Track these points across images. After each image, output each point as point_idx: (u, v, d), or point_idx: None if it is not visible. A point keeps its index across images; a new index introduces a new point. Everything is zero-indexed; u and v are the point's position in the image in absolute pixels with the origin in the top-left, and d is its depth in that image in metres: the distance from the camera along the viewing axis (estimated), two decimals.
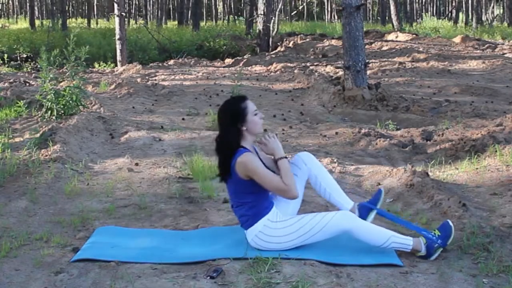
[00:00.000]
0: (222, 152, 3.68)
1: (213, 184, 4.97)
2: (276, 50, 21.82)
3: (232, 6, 51.02)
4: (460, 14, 40.98)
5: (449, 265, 3.45)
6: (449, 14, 44.93)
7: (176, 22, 37.30)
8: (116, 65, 17.40)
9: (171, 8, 52.96)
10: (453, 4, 45.94)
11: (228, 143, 3.64)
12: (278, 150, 3.68)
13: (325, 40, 23.34)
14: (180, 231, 4.09)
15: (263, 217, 3.61)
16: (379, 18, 41.72)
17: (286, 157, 3.66)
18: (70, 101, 8.21)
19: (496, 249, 3.56)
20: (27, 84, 11.86)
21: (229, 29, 28.59)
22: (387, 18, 35.45)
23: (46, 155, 5.92)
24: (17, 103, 8.72)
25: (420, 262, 3.53)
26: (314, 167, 3.84)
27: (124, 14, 18.14)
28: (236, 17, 44.53)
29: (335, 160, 5.97)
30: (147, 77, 13.99)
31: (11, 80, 12.09)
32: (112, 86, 11.82)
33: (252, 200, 3.62)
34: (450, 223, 3.66)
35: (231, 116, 3.66)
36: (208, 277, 3.24)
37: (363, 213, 3.80)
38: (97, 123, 7.73)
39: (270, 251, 3.54)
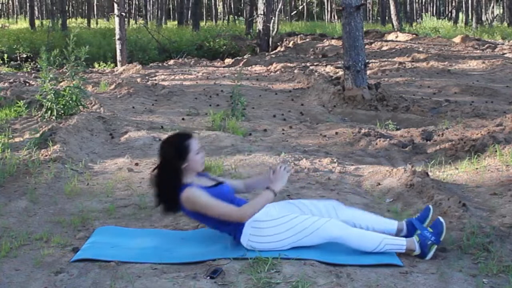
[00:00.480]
0: (162, 189, 3.68)
1: None
2: (276, 50, 21.82)
3: (232, 6, 51.02)
4: (460, 14, 40.98)
5: (449, 265, 3.45)
6: (449, 14, 44.95)
7: (176, 22, 37.29)
8: (116, 65, 17.40)
9: (171, 8, 52.96)
10: (453, 4, 45.96)
11: (169, 181, 3.64)
12: (278, 183, 3.67)
13: (325, 40, 23.34)
14: (180, 231, 4.10)
15: (245, 225, 3.60)
16: (379, 18, 41.73)
17: (275, 194, 3.65)
18: (70, 101, 8.22)
19: (496, 249, 3.56)
20: (27, 84, 11.86)
21: (229, 29, 28.60)
22: (387, 18, 35.45)
23: (46, 155, 5.92)
24: (17, 103, 8.72)
25: (420, 262, 3.53)
26: (345, 215, 3.81)
27: (124, 14, 18.13)
28: (236, 17, 44.54)
29: (335, 160, 5.97)
30: (147, 77, 13.99)
31: (11, 80, 12.08)
32: (112, 86, 11.82)
33: (220, 219, 3.62)
34: (441, 219, 3.67)
35: (173, 155, 3.65)
36: (208, 277, 3.24)
37: (411, 230, 3.75)
38: (97, 123, 7.73)
39: (270, 252, 3.54)
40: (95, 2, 51.57)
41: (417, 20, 38.62)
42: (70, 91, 8.22)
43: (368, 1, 45.39)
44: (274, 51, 21.42)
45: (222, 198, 3.63)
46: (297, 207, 3.79)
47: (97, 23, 39.90)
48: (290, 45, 22.63)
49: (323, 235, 3.57)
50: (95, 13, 50.90)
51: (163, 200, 3.71)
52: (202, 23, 34.98)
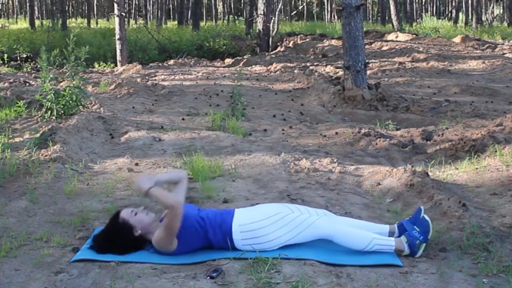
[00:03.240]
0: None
1: (213, 184, 4.98)
2: (276, 50, 21.83)
3: (232, 6, 51.03)
4: (460, 14, 41.00)
5: (449, 265, 3.45)
6: (449, 14, 44.96)
7: (176, 22, 37.31)
8: (116, 65, 17.40)
9: (171, 8, 52.96)
10: (453, 4, 45.96)
11: (133, 247, 3.68)
12: (141, 185, 3.62)
13: (325, 40, 23.35)
14: None
15: (231, 227, 3.61)
16: (379, 18, 41.72)
17: (151, 186, 3.61)
18: (70, 101, 8.21)
19: (496, 249, 3.56)
20: (27, 84, 11.85)
21: (229, 29, 28.62)
22: (387, 18, 35.45)
23: (46, 155, 5.92)
24: (17, 103, 8.72)
25: (420, 262, 3.53)
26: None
27: (124, 14, 18.14)
28: (236, 17, 44.56)
29: (335, 160, 5.97)
30: (147, 77, 13.99)
31: (11, 80, 12.07)
32: (112, 86, 11.82)
33: (196, 235, 3.62)
34: (426, 217, 3.69)
35: (122, 235, 3.66)
36: (208, 277, 3.24)
37: (402, 232, 3.76)
38: (97, 123, 7.73)
39: (270, 252, 3.54)
40: (95, 2, 51.56)
41: (417, 20, 38.62)
42: (70, 91, 8.21)
43: (368, 1, 45.40)
44: (274, 51, 21.42)
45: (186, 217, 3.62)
46: (289, 209, 3.79)
47: (97, 23, 39.91)
48: (290, 45, 22.64)
49: (314, 232, 3.60)
50: (95, 13, 50.91)
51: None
52: (202, 23, 34.99)
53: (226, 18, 46.76)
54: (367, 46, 18.01)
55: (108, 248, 3.65)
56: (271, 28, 22.09)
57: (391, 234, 3.79)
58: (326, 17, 47.79)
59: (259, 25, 22.26)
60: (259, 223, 3.61)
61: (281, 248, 3.60)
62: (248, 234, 3.59)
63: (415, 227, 3.69)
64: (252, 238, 3.59)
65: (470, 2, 37.47)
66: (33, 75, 14.39)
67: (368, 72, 11.95)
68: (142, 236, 3.70)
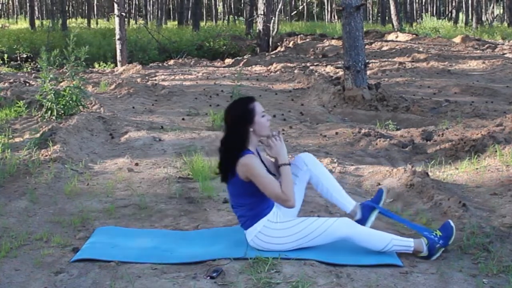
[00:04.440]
0: (226, 152, 3.66)
1: (213, 184, 4.97)
2: (276, 50, 21.82)
3: (232, 6, 51.03)
4: (460, 14, 41.00)
5: (449, 265, 3.45)
6: (449, 14, 44.96)
7: (176, 22, 37.32)
8: (116, 65, 17.40)
9: (171, 8, 52.97)
10: (453, 4, 45.97)
11: (234, 144, 3.62)
12: (283, 155, 3.66)
13: (325, 40, 23.34)
14: (180, 231, 4.09)
15: (262, 218, 3.61)
16: (379, 18, 41.72)
17: (289, 164, 3.64)
18: (70, 101, 8.22)
19: (496, 249, 3.56)
20: (27, 84, 11.85)
21: (229, 29, 28.60)
22: (387, 18, 35.45)
23: (46, 155, 5.92)
24: (17, 103, 8.73)
25: (420, 262, 3.53)
26: (315, 167, 3.84)
27: (124, 14, 18.13)
28: (236, 17, 44.57)
29: (335, 160, 5.97)
30: (147, 77, 13.99)
31: (11, 80, 12.07)
32: (112, 86, 11.82)
33: (251, 201, 3.62)
34: (452, 223, 3.66)
35: (239, 117, 3.63)
36: (208, 277, 3.24)
37: (365, 212, 3.79)
38: (97, 123, 7.73)
39: (270, 251, 3.54)
40: (95, 2, 51.57)
41: (417, 20, 38.61)
42: (70, 91, 8.22)
43: (368, 1, 45.40)
44: (274, 51, 21.42)
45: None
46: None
47: (97, 23, 39.91)
48: (290, 45, 22.64)
49: (332, 236, 3.56)
50: (95, 13, 50.91)
51: (226, 164, 3.66)
52: (202, 23, 34.97)
53: (226, 18, 46.76)
54: (367, 46, 18.00)
55: (227, 117, 3.64)
56: (271, 28, 22.09)
57: (352, 213, 3.79)
58: (326, 17, 47.79)
59: (259, 25, 22.26)
60: (279, 225, 3.60)
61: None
62: (267, 230, 3.58)
63: (437, 231, 3.65)
64: (268, 236, 3.58)
65: (470, 2, 37.48)
66: (33, 75, 14.39)
67: (368, 72, 11.95)
68: (249, 135, 3.62)
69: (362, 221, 3.75)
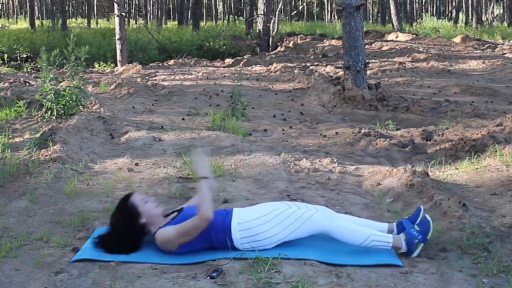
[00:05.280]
0: (124, 243, 3.67)
1: None
2: (276, 50, 21.82)
3: (232, 6, 51.02)
4: (460, 14, 40.99)
5: (449, 265, 3.45)
6: (449, 14, 44.96)
7: (176, 22, 37.32)
8: (116, 65, 17.40)
9: (171, 8, 52.97)
10: (453, 4, 45.96)
11: (134, 240, 3.68)
12: (200, 169, 3.66)
13: (325, 40, 23.34)
14: None
15: (230, 226, 3.61)
16: (379, 18, 41.72)
17: (206, 177, 3.63)
18: (70, 101, 8.22)
19: (496, 249, 3.56)
20: (27, 84, 11.85)
21: (229, 29, 28.60)
22: (387, 18, 35.45)
23: (46, 155, 5.92)
24: (17, 103, 8.73)
25: (420, 262, 3.53)
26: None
27: (124, 14, 18.13)
28: (236, 17, 44.56)
29: (335, 160, 5.97)
30: (147, 77, 13.99)
31: (11, 80, 12.07)
32: (112, 86, 11.82)
33: (206, 234, 3.60)
34: (428, 218, 3.69)
35: (126, 218, 3.68)
36: (208, 277, 3.24)
37: (401, 229, 3.75)
38: (97, 123, 7.73)
39: (270, 251, 3.54)
40: (95, 2, 51.56)
41: (417, 20, 38.62)
42: (70, 91, 8.22)
43: (368, 1, 45.40)
44: (274, 51, 21.42)
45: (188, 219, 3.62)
46: (287, 205, 3.79)
47: (97, 23, 39.91)
48: (290, 45, 22.63)
49: (312, 227, 3.59)
50: (95, 13, 50.91)
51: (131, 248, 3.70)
52: (202, 23, 34.98)
53: (226, 18, 46.76)
54: (367, 46, 18.01)
55: (111, 233, 3.68)
56: (271, 28, 22.09)
57: (389, 232, 3.79)
58: (326, 17, 47.79)
59: (259, 25, 22.26)
60: (256, 221, 3.61)
61: (280, 247, 3.60)
62: (246, 232, 3.60)
63: (415, 226, 3.69)
64: (250, 236, 3.59)
65: (470, 2, 37.47)
66: (33, 75, 14.39)
67: (368, 72, 11.95)
68: (145, 226, 3.70)
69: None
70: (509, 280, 3.22)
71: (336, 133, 7.46)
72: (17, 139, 6.97)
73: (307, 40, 23.45)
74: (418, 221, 3.74)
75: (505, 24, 34.24)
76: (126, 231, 3.67)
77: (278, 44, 23.16)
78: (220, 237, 3.62)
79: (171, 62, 18.31)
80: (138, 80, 13.08)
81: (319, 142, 7.16)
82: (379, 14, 41.33)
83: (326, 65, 15.57)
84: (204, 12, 49.71)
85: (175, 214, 3.77)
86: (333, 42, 22.09)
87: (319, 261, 3.46)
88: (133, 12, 44.94)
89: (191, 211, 3.70)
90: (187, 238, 3.57)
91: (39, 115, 8.33)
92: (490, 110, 8.81)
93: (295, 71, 14.23)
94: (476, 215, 4.19)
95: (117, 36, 17.22)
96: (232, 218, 3.66)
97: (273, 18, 22.50)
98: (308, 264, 3.40)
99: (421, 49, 18.20)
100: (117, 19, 17.37)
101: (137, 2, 47.63)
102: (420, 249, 3.62)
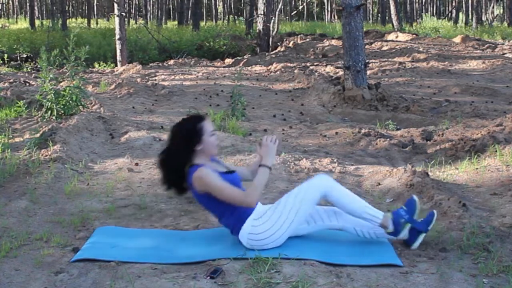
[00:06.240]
0: (172, 170, 3.66)
1: None
2: (276, 50, 21.82)
3: (232, 6, 51.02)
4: (460, 14, 41.02)
5: (449, 265, 3.45)
6: (449, 14, 44.97)
7: (176, 22, 37.31)
8: (116, 65, 17.41)
9: (171, 8, 52.97)
10: (453, 4, 45.97)
11: (179, 163, 3.63)
12: (268, 157, 3.66)
13: (325, 40, 23.35)
14: (180, 231, 4.10)
15: (247, 218, 3.62)
16: (379, 18, 41.72)
17: (270, 168, 3.64)
18: (70, 101, 8.22)
19: (496, 249, 3.56)
20: (27, 84, 11.86)
21: (229, 29, 28.58)
22: (387, 18, 35.46)
23: (46, 155, 5.92)
24: (17, 103, 8.73)
25: (420, 262, 3.53)
26: (345, 220, 3.78)
27: (124, 14, 18.13)
28: (236, 17, 44.54)
29: (335, 160, 5.97)
30: (147, 77, 13.99)
31: (11, 80, 12.08)
32: (112, 86, 11.82)
33: (227, 207, 3.61)
34: (415, 198, 3.72)
35: (187, 135, 3.63)
36: (208, 277, 3.24)
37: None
38: (97, 123, 7.73)
39: (270, 250, 3.54)
40: (95, 2, 51.56)
41: (417, 20, 38.61)
42: (70, 91, 8.22)
43: (368, 1, 45.40)
44: (274, 51, 21.41)
45: (233, 185, 3.62)
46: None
47: (97, 23, 39.91)
48: (290, 45, 22.63)
49: (312, 196, 3.60)
50: (95, 13, 50.90)
51: (171, 181, 3.68)
52: (202, 23, 34.98)
53: (226, 18, 46.75)
54: (367, 46, 18.01)
55: (168, 143, 3.67)
56: (271, 28, 22.09)
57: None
58: (326, 17, 47.80)
59: (259, 25, 22.25)
60: (262, 219, 3.60)
61: (280, 247, 3.60)
62: (255, 229, 3.59)
63: (402, 206, 3.74)
64: (258, 233, 3.58)
65: (470, 2, 37.48)
66: (33, 75, 14.39)
67: (368, 72, 11.95)
68: (195, 154, 3.63)
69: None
70: (509, 280, 3.22)
71: (336, 133, 7.46)
72: (17, 139, 6.97)
73: (307, 40, 23.45)
74: (405, 202, 3.76)
75: (505, 24, 34.24)
76: (183, 145, 3.61)
77: (278, 44, 23.16)
78: (230, 221, 3.63)
79: (171, 62, 18.32)
80: (138, 80, 13.08)
81: (319, 142, 7.16)
82: (379, 14, 41.33)
83: (326, 65, 15.57)
84: (204, 12, 49.71)
85: (226, 170, 3.74)
86: (333, 42, 22.09)
87: (319, 261, 3.46)
88: (133, 12, 44.94)
89: (238, 180, 3.70)
90: (217, 196, 3.54)
91: (39, 115, 8.33)
92: (490, 110, 8.81)
93: (295, 71, 14.24)
94: (476, 215, 4.19)
95: (117, 36, 17.23)
96: (252, 212, 3.64)
97: (273, 18, 22.50)
98: (308, 264, 3.40)
99: (421, 49, 18.20)
100: (117, 19, 17.37)
101: (137, 2, 47.63)
102: (407, 230, 3.65)
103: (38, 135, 6.84)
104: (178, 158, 3.63)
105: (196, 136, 3.63)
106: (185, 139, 3.62)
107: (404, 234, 3.65)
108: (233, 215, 3.62)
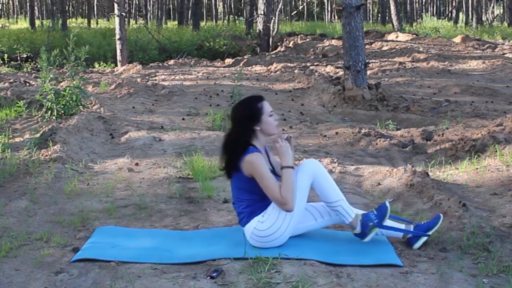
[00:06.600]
0: (231, 149, 3.67)
1: (213, 184, 4.98)
2: (276, 50, 21.82)
3: (232, 6, 51.02)
4: (460, 14, 41.03)
5: (449, 265, 3.45)
6: (449, 14, 44.97)
7: (176, 22, 37.32)
8: (116, 65, 17.41)
9: (171, 8, 52.98)
10: (453, 4, 45.98)
11: (239, 142, 3.63)
12: (286, 157, 3.65)
13: (325, 40, 23.35)
14: (180, 231, 4.10)
15: (256, 216, 3.65)
16: (379, 18, 41.72)
17: (292, 167, 3.64)
18: (70, 101, 8.22)
19: (496, 249, 3.56)
20: (27, 84, 11.86)
21: (229, 29, 28.57)
22: (387, 18, 35.46)
23: (46, 155, 5.92)
24: (17, 103, 8.73)
25: (420, 262, 3.53)
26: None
27: (124, 14, 18.13)
28: (236, 17, 44.53)
29: (335, 160, 5.97)
30: (147, 77, 13.99)
31: (11, 80, 12.08)
32: (112, 86, 11.82)
33: (251, 198, 3.66)
34: (387, 203, 3.70)
35: (247, 115, 3.65)
36: (208, 277, 3.24)
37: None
38: (97, 123, 7.73)
39: (270, 250, 3.55)
40: (95, 2, 51.56)
41: (417, 20, 38.61)
42: (70, 91, 8.22)
43: (368, 1, 45.40)
44: (274, 51, 21.41)
45: None
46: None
47: (97, 23, 39.90)
48: (290, 45, 22.63)
49: (304, 183, 3.62)
50: (95, 13, 50.90)
51: (231, 160, 3.67)
52: (202, 23, 34.97)
53: (226, 18, 46.75)
54: (367, 46, 18.01)
55: (235, 114, 3.70)
56: (271, 28, 22.08)
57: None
58: (326, 17, 47.79)
59: (259, 25, 22.25)
60: (273, 227, 3.62)
61: (280, 247, 3.61)
62: (260, 225, 3.61)
63: (373, 210, 3.72)
64: (262, 230, 3.60)
65: (470, 2, 37.49)
66: (33, 75, 14.39)
67: (368, 72, 11.96)
68: (254, 134, 3.65)
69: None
70: (509, 280, 3.22)
71: (336, 133, 7.46)
72: (17, 139, 6.97)
73: (307, 40, 23.45)
74: (377, 207, 3.76)
75: (505, 24, 34.23)
76: (243, 124, 3.63)
77: (278, 44, 23.15)
78: (246, 210, 3.66)
79: (171, 62, 18.32)
80: (138, 80, 13.08)
81: (319, 142, 7.17)
82: (379, 14, 41.33)
83: (326, 65, 15.57)
84: (204, 12, 49.70)
85: (270, 168, 3.72)
86: (333, 42, 22.09)
87: (319, 261, 3.46)
88: (133, 12, 44.94)
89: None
90: (260, 183, 3.55)
91: (39, 115, 8.33)
92: (490, 110, 8.81)
93: (295, 71, 14.24)
94: (476, 215, 4.19)
95: (117, 36, 17.23)
96: (264, 210, 3.66)
97: (273, 18, 22.49)
98: (308, 264, 3.40)
99: (421, 49, 18.20)
100: (117, 19, 17.37)
101: (137, 2, 47.63)
102: (373, 234, 3.67)
103: (38, 135, 6.84)
104: (238, 137, 3.64)
105: (255, 116, 3.64)
106: (244, 118, 3.65)
107: (370, 237, 3.66)
108: (250, 207, 3.65)
